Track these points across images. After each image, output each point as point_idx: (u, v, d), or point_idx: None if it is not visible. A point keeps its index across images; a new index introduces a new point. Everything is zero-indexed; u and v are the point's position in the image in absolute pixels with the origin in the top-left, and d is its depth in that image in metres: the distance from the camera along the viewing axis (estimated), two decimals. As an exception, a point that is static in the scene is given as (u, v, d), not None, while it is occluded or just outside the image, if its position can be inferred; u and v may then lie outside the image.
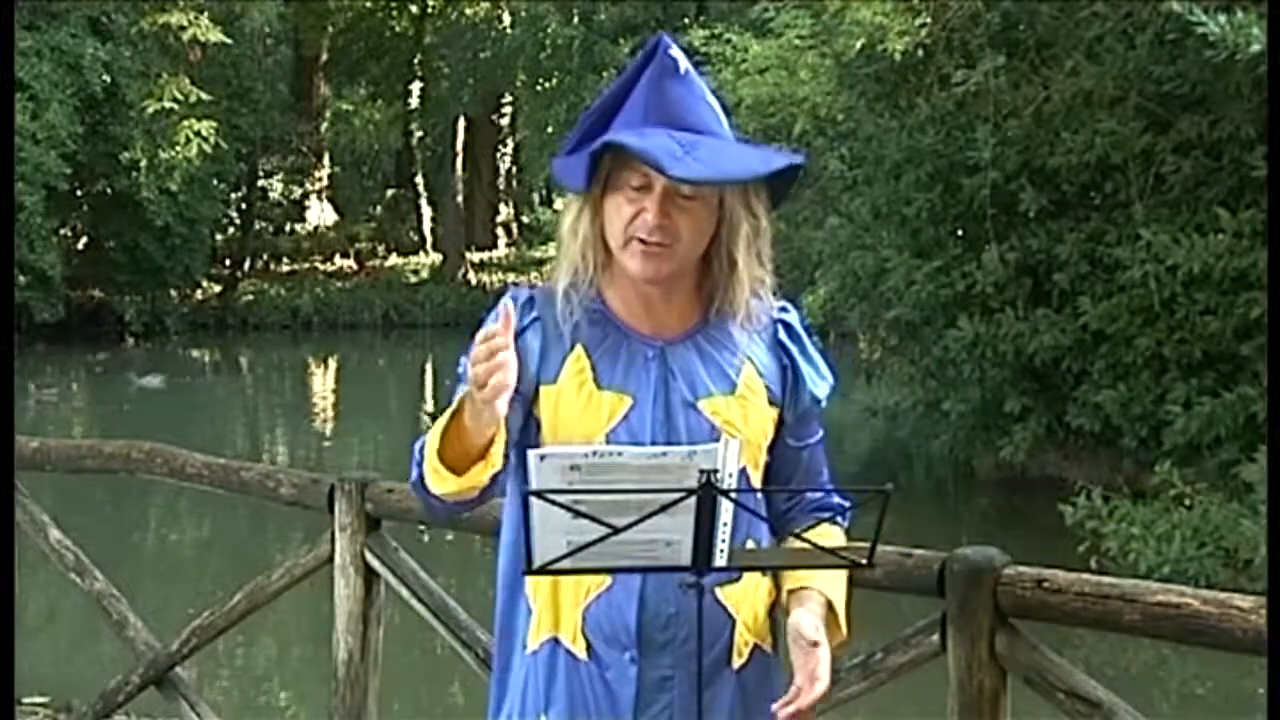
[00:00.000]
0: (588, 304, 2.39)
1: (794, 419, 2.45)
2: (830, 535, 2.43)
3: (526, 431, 2.37)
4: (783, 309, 2.48)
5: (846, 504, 2.50)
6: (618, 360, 2.38)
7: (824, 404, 2.49)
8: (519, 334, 2.37)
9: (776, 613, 2.44)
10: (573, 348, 2.38)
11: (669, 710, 2.33)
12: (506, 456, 2.27)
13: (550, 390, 2.37)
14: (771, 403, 2.42)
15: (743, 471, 2.28)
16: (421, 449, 2.30)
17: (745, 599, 2.38)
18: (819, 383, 2.46)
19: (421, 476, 2.30)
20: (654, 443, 2.31)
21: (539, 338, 2.39)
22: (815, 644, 2.29)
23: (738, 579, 2.36)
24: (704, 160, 2.26)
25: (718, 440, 2.24)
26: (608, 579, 2.32)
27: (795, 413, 2.45)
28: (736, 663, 2.38)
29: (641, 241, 2.32)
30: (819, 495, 2.50)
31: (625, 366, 2.38)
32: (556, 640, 2.37)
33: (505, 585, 2.45)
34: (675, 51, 2.35)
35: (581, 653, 2.35)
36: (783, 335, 2.45)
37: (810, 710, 2.30)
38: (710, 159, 2.27)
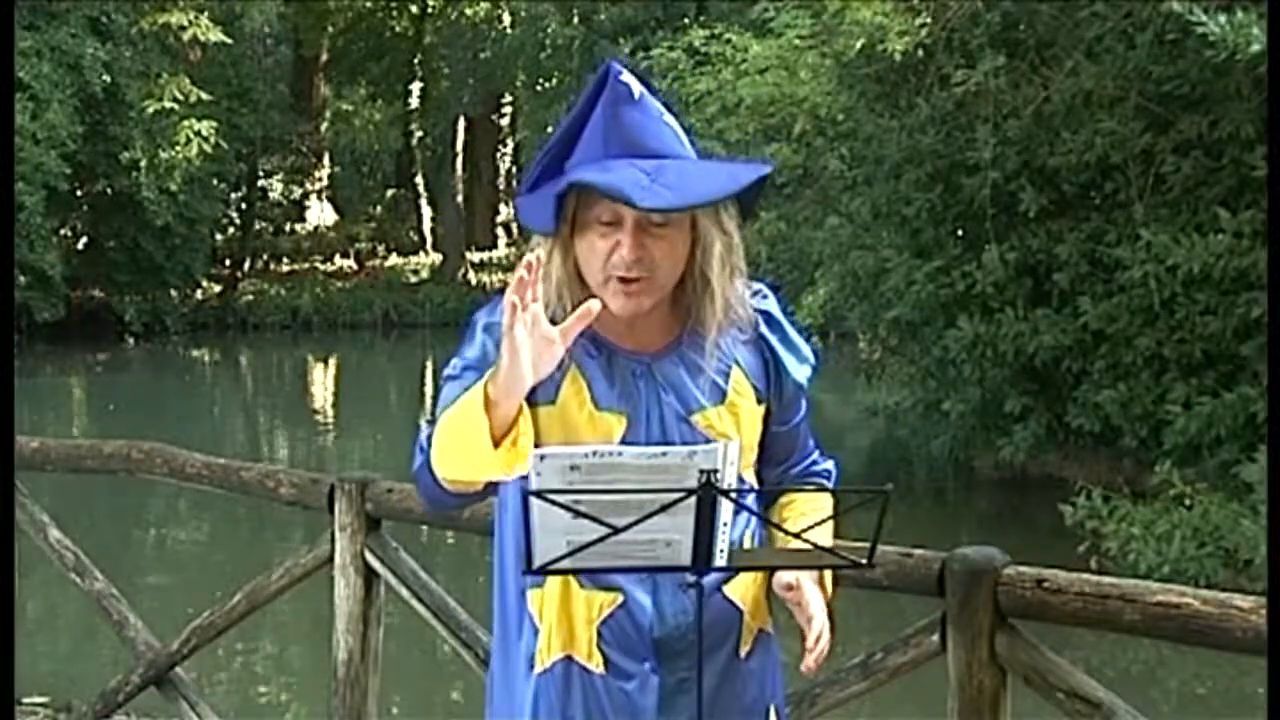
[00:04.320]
0: None
1: (779, 407, 2.47)
2: (821, 501, 2.46)
3: None
4: (760, 295, 2.46)
5: (831, 467, 2.56)
6: (610, 380, 2.37)
7: (806, 386, 2.49)
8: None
9: (771, 589, 2.45)
10: (567, 369, 2.35)
11: (689, 711, 2.33)
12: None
13: (551, 411, 2.34)
14: (759, 400, 2.44)
15: (739, 478, 2.27)
16: (429, 437, 2.28)
17: (749, 591, 2.40)
18: (799, 368, 2.46)
19: (427, 462, 2.27)
20: None
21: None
22: (789, 586, 2.30)
23: (737, 573, 2.37)
24: (672, 185, 2.24)
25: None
26: (619, 595, 2.32)
27: (780, 402, 2.46)
28: (743, 652, 2.41)
29: (621, 280, 2.30)
30: (808, 461, 2.54)
31: (619, 386, 2.37)
32: (570, 659, 2.36)
33: (505, 602, 2.43)
34: (626, 77, 2.33)
35: (598, 667, 2.35)
36: (764, 328, 2.44)
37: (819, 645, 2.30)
38: (678, 183, 2.25)
